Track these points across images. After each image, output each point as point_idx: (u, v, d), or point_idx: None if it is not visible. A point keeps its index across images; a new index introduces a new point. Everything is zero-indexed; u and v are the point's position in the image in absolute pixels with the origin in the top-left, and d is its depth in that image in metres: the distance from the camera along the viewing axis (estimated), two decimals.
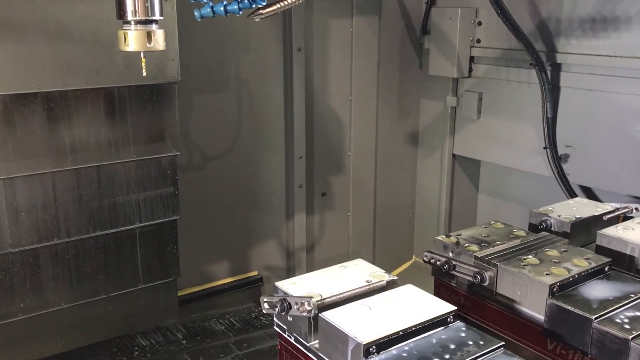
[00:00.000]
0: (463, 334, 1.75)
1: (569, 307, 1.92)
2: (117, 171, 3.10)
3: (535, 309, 2.04)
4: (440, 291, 2.37)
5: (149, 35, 2.21)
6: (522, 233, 2.43)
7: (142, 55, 2.29)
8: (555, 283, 1.99)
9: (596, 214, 2.61)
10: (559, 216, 2.56)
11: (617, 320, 1.86)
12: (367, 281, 1.97)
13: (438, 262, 2.27)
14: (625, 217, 2.65)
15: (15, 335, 3.00)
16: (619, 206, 2.69)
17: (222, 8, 2.24)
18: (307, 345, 1.84)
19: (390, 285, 1.98)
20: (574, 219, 2.54)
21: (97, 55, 2.85)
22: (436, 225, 4.74)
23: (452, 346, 1.69)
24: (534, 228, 2.60)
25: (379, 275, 2.01)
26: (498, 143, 4.22)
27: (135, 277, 3.28)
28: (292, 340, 1.91)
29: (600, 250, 2.32)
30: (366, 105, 4.40)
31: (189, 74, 3.41)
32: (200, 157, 3.82)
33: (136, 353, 3.31)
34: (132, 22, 2.20)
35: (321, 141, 4.27)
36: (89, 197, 3.04)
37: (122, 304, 3.28)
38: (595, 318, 1.87)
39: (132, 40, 2.21)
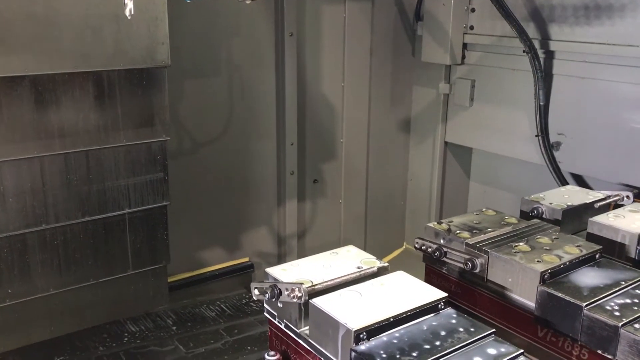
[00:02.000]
0: (454, 321, 1.75)
1: (559, 294, 1.92)
2: (106, 156, 3.06)
3: (526, 296, 2.04)
4: (431, 278, 2.37)
5: None
6: (514, 220, 2.42)
7: None
8: (546, 270, 1.99)
9: (587, 201, 2.61)
10: (551, 204, 2.56)
11: (607, 308, 1.86)
12: (358, 268, 1.96)
13: (429, 249, 2.26)
14: (617, 205, 2.65)
15: (4, 321, 2.98)
16: (610, 194, 2.69)
17: None
18: (298, 331, 1.83)
19: (381, 271, 1.97)
20: (566, 206, 2.54)
21: (85, 39, 2.81)
22: (427, 212, 4.74)
23: (443, 333, 1.69)
24: (525, 215, 2.59)
25: (370, 261, 2.00)
26: (490, 131, 4.21)
27: (124, 263, 3.25)
28: (282, 326, 1.90)
29: (591, 237, 2.32)
30: (358, 92, 4.38)
31: (180, 59, 3.37)
32: (191, 143, 3.79)
33: (126, 339, 3.31)
34: None
35: (313, 128, 4.25)
36: (77, 182, 3.01)
37: (112, 290, 3.26)
38: (586, 305, 1.87)
39: None
